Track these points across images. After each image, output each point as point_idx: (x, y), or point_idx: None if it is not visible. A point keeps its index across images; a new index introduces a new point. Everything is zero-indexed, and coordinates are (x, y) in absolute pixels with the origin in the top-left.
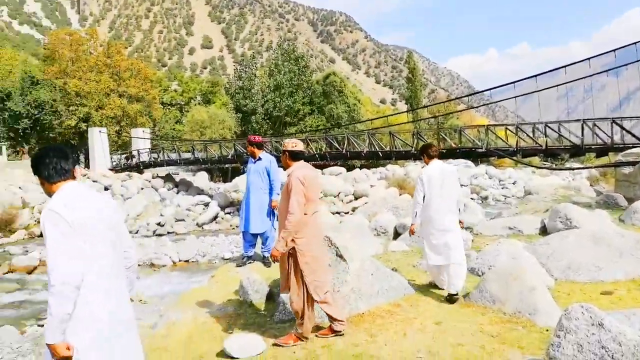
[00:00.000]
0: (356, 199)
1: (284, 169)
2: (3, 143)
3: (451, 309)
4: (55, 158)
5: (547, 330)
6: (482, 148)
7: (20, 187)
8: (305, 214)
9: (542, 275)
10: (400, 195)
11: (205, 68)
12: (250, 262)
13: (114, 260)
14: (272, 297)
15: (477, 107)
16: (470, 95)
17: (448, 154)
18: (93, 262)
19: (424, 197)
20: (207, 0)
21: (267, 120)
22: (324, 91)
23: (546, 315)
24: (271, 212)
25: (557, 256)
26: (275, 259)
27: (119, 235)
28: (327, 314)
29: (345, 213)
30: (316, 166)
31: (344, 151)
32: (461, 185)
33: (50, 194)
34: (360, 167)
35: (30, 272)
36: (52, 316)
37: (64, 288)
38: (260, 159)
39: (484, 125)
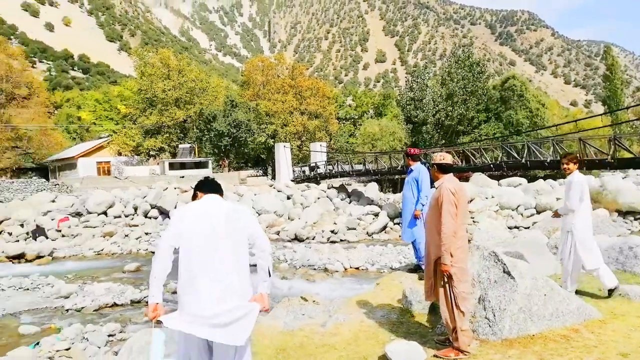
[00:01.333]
0: (538, 212)
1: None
2: (210, 158)
3: None
4: (212, 183)
5: None
6: None
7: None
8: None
9: None
10: (593, 209)
11: (378, 82)
12: (421, 271)
13: (213, 262)
14: (435, 309)
15: None
16: None
17: None
18: (191, 259)
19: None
20: (382, 16)
21: (439, 130)
22: (501, 97)
23: None
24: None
25: None
26: (447, 274)
27: (234, 238)
28: (455, 335)
29: (526, 228)
30: (491, 177)
31: (523, 160)
32: None
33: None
34: (544, 178)
35: None
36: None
37: (157, 253)
38: (412, 170)
39: None
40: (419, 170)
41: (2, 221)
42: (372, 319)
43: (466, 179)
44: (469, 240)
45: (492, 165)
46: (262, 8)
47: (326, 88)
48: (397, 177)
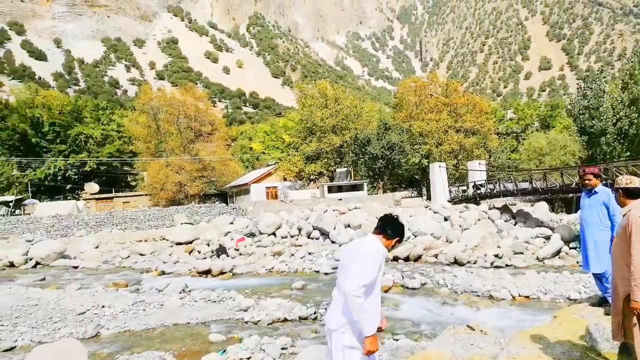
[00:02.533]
0: None
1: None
2: (365, 180)
3: None
4: (381, 222)
5: None
6: None
7: (376, 217)
8: None
9: None
10: None
11: (543, 91)
12: (606, 305)
13: (339, 282)
14: (627, 349)
15: None
16: None
17: None
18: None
19: None
20: (545, 20)
21: (621, 141)
22: None
23: None
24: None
25: None
26: (637, 312)
27: (349, 265)
28: None
29: None
30: None
31: None
32: None
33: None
34: None
35: (386, 291)
36: None
37: None
38: (596, 192)
39: None
40: (607, 194)
41: (193, 241)
42: (550, 355)
43: None
44: None
45: None
46: (412, 29)
47: (483, 103)
48: (570, 195)
